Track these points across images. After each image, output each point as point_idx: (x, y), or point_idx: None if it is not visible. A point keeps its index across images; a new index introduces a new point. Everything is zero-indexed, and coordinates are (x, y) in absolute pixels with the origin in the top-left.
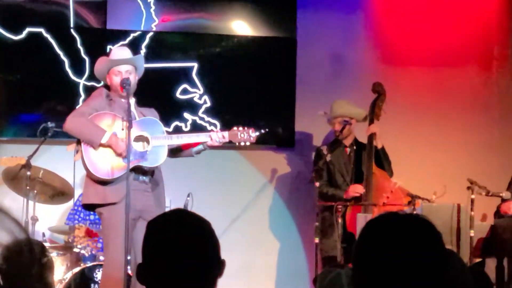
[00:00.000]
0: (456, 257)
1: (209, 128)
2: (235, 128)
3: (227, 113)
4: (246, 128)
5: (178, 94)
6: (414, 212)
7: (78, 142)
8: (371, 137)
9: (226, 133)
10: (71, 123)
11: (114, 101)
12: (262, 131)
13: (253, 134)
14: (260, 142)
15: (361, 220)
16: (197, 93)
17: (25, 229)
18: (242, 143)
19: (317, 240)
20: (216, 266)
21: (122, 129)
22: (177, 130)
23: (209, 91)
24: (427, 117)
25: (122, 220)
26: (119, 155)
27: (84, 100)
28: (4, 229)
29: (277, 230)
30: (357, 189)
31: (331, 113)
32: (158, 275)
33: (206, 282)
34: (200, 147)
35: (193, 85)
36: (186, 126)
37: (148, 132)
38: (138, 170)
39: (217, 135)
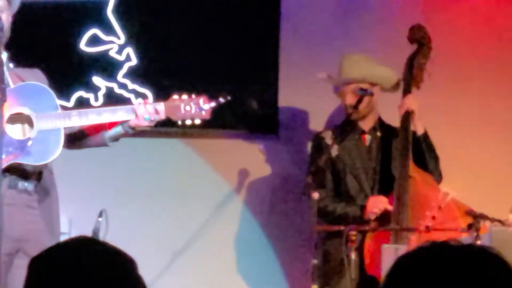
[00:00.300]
0: None
1: (135, 101)
2: (175, 96)
3: (164, 76)
4: (194, 97)
5: (83, 46)
6: (478, 242)
7: None
8: (407, 116)
9: (161, 105)
10: None
11: None
12: (222, 100)
13: (206, 105)
14: (221, 124)
15: (389, 255)
16: (115, 44)
17: None
18: (188, 122)
19: None
20: None
21: None
22: (82, 105)
23: (135, 41)
24: (497, 84)
25: None
26: None
27: None
28: None
29: (250, 270)
30: (382, 204)
31: (339, 76)
32: None
33: None
34: (118, 129)
35: (108, 30)
36: (96, 99)
37: (31, 107)
38: (15, 172)
39: (146, 108)
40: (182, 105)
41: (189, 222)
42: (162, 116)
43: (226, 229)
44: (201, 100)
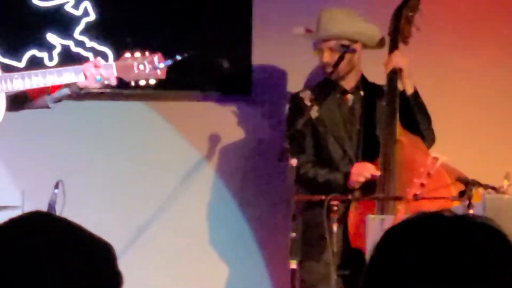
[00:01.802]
0: None
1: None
2: (127, 55)
3: (126, 33)
4: (147, 55)
5: (35, 0)
6: (471, 211)
7: None
8: (395, 75)
9: (112, 65)
10: None
11: None
12: (178, 57)
13: (161, 64)
14: (189, 85)
15: (375, 226)
16: None
17: None
18: (142, 82)
19: (294, 264)
20: None
21: None
22: (36, 65)
23: None
24: (495, 39)
25: None
26: None
27: None
28: None
29: (223, 246)
30: (367, 170)
31: (318, 32)
32: None
33: None
34: (64, 91)
35: None
36: (51, 58)
37: None
38: None
39: (96, 69)
40: (135, 64)
41: (155, 193)
42: (112, 79)
43: (196, 199)
44: (156, 58)
